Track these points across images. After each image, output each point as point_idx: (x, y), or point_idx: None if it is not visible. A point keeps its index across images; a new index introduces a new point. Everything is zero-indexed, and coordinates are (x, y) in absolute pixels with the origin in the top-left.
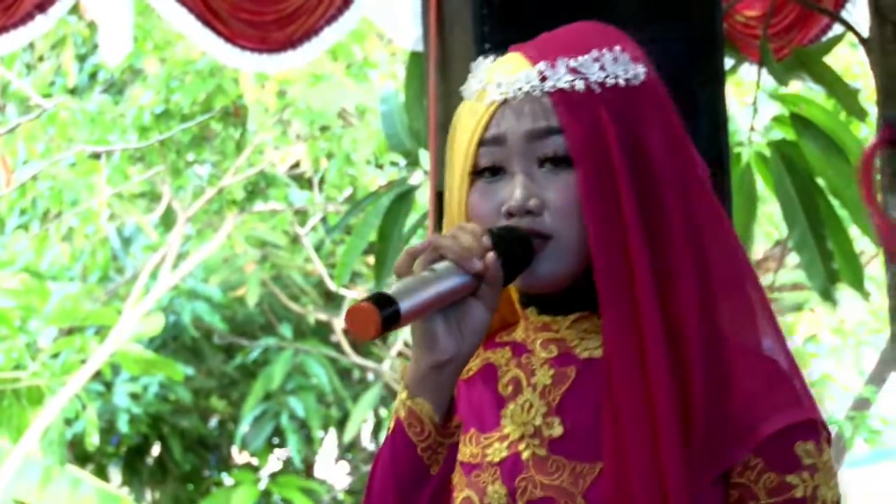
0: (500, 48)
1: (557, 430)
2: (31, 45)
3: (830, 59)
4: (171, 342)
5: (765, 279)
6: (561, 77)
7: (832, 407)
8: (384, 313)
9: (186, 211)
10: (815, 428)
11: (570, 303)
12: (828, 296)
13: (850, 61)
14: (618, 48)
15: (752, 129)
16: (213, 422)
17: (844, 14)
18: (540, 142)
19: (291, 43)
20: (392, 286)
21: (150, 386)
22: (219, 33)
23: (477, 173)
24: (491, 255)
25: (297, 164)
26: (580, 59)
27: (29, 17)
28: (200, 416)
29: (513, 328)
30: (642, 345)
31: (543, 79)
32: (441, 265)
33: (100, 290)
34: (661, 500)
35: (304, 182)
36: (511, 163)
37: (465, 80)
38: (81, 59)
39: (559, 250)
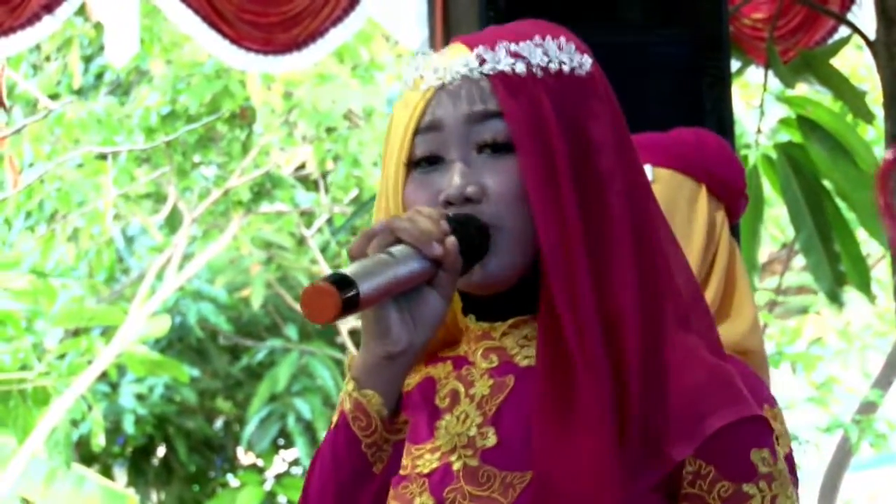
0: None
1: (491, 440)
2: (38, 47)
3: (837, 62)
4: (177, 343)
5: (771, 282)
6: (501, 60)
7: (838, 410)
8: (344, 296)
9: (192, 212)
10: (766, 430)
11: (507, 307)
12: (835, 298)
13: (857, 63)
14: (562, 38)
15: (758, 131)
16: (219, 423)
17: (850, 16)
18: (478, 126)
19: (296, 44)
20: (349, 268)
21: (156, 387)
22: (224, 35)
23: (413, 164)
24: (451, 239)
25: (303, 166)
26: (521, 43)
27: (35, 17)
28: (206, 417)
29: (457, 344)
30: (580, 343)
31: (482, 62)
32: (398, 248)
33: (105, 290)
34: None
35: (310, 183)
36: (448, 150)
37: None
38: (88, 60)
39: (505, 241)
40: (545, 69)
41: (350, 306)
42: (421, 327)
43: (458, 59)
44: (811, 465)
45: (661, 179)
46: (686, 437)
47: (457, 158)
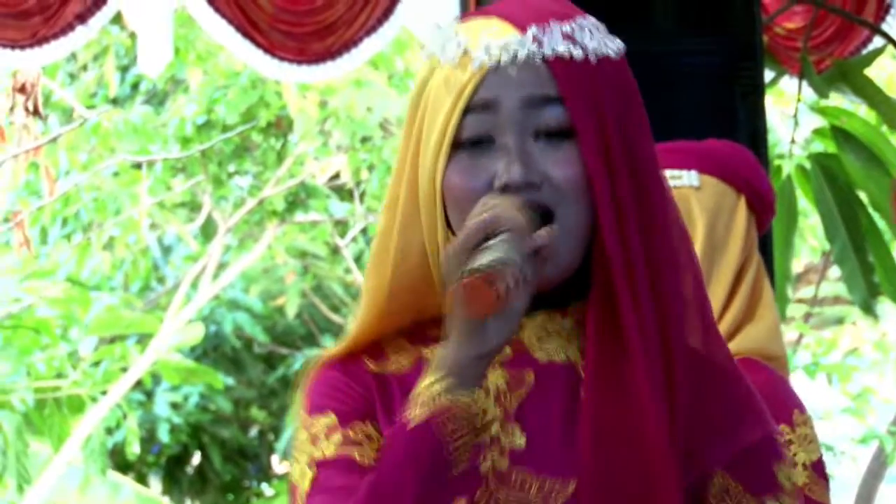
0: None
1: (520, 440)
2: (74, 56)
3: (871, 72)
4: (212, 352)
5: (806, 292)
6: (558, 42)
7: (873, 421)
8: (498, 292)
9: (227, 221)
10: (782, 444)
11: (535, 299)
12: (868, 309)
13: (892, 74)
14: (592, 19)
15: (792, 141)
16: (254, 432)
17: (885, 26)
18: (537, 110)
19: (330, 54)
20: (484, 261)
21: (191, 395)
22: (258, 44)
23: (458, 146)
24: (546, 229)
25: (337, 175)
26: (571, 24)
27: (70, 27)
28: (241, 426)
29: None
30: (641, 331)
31: (539, 44)
32: (499, 244)
33: (141, 299)
34: None
35: (344, 193)
36: (502, 132)
37: None
38: (124, 69)
39: (561, 234)
40: (597, 53)
41: (501, 301)
42: (507, 324)
43: (513, 39)
44: (847, 475)
45: (706, 185)
46: (721, 447)
47: (512, 142)
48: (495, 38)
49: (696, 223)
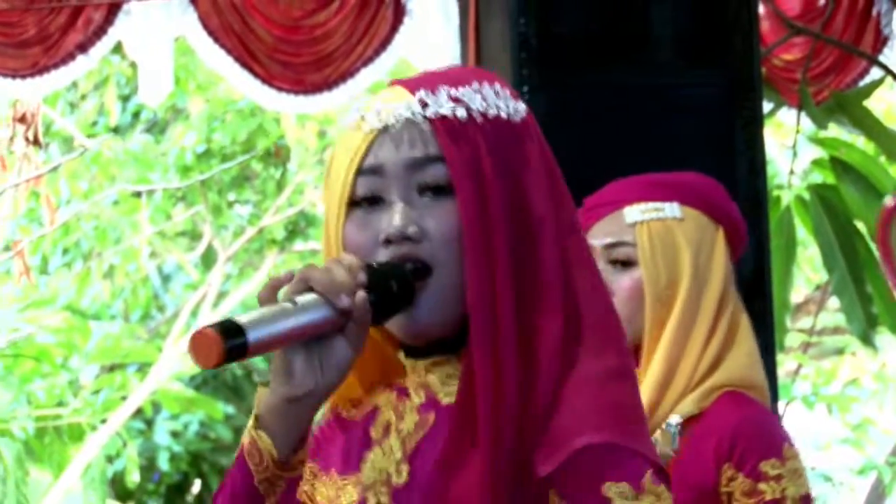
0: (538, 91)
1: (402, 478)
2: (75, 84)
3: (870, 103)
4: (212, 380)
5: (805, 322)
6: (442, 104)
7: (872, 451)
8: (229, 344)
9: (227, 250)
10: (628, 460)
11: (433, 345)
12: (867, 340)
13: (891, 104)
14: (498, 85)
15: (791, 172)
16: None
17: (883, 58)
18: (420, 170)
19: (328, 84)
20: (246, 314)
21: (191, 424)
22: (256, 74)
23: (354, 203)
24: (361, 293)
25: None
26: (461, 89)
27: (70, 57)
28: None
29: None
30: (496, 383)
31: (424, 105)
32: (306, 297)
33: (141, 327)
34: None
35: None
36: (389, 192)
37: None
38: (124, 98)
39: (440, 286)
40: (484, 115)
41: (235, 354)
42: (328, 373)
43: (401, 103)
44: None
45: (689, 218)
46: (547, 459)
47: (398, 199)
48: (386, 103)
49: (681, 254)
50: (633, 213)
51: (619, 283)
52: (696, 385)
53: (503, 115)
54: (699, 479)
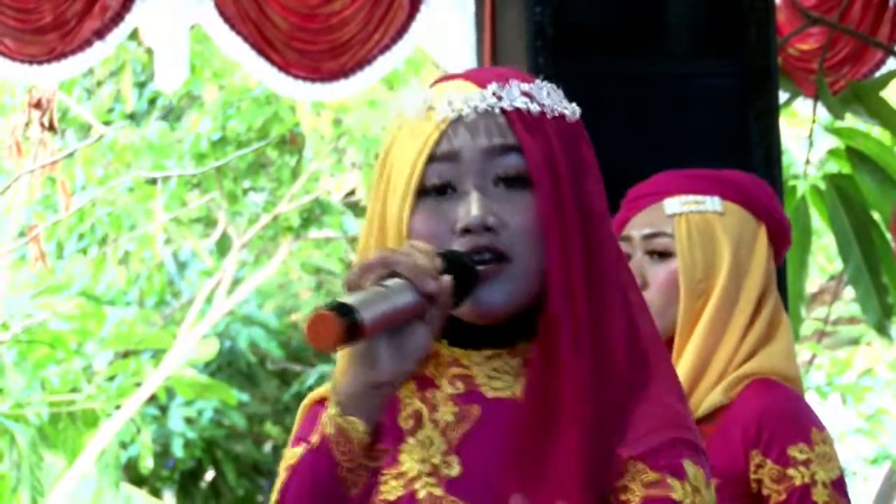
0: (553, 80)
1: (455, 470)
2: (91, 71)
3: (886, 93)
4: (226, 367)
5: (820, 312)
6: (516, 97)
7: (886, 441)
8: (348, 323)
9: (242, 237)
10: (703, 457)
11: (485, 338)
12: (882, 330)
13: None
14: (552, 85)
15: (807, 162)
16: (268, 447)
17: None
18: (497, 159)
19: (344, 72)
20: (350, 297)
21: (205, 411)
22: (272, 62)
23: (423, 193)
24: (447, 277)
25: (352, 192)
26: (529, 84)
27: (87, 43)
28: (255, 441)
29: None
30: (577, 375)
31: (498, 98)
32: (393, 282)
33: (156, 314)
34: None
35: (359, 210)
36: (464, 181)
37: None
38: (140, 85)
39: (515, 275)
40: (552, 110)
41: (352, 335)
42: (406, 359)
43: (474, 93)
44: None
45: (730, 212)
46: (632, 446)
47: (473, 189)
48: (458, 93)
49: (721, 247)
50: (674, 204)
51: (655, 274)
52: (730, 374)
53: (567, 112)
54: (729, 467)
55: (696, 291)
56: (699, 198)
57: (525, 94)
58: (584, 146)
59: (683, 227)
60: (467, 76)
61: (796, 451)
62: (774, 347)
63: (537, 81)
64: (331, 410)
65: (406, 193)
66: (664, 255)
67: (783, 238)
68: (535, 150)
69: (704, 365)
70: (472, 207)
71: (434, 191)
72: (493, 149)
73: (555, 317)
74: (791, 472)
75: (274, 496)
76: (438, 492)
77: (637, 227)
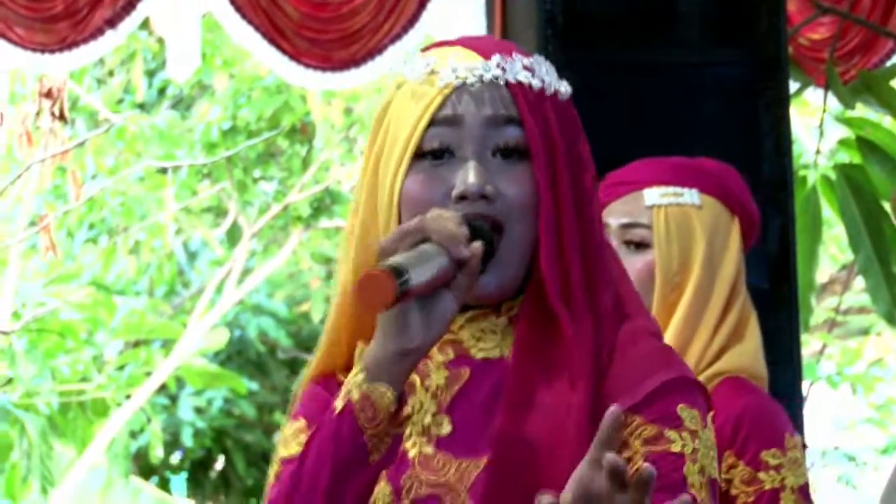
0: (563, 69)
1: (446, 429)
2: (102, 60)
3: None
4: (236, 357)
5: (831, 302)
6: (519, 71)
7: None
8: (400, 284)
9: (252, 226)
10: (699, 394)
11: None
12: (892, 320)
13: None
14: (546, 60)
15: (817, 151)
16: (277, 437)
17: None
18: (498, 129)
19: (355, 61)
20: (395, 259)
21: (215, 400)
22: (283, 51)
23: (418, 156)
24: (477, 244)
25: None
26: (530, 59)
27: (99, 32)
28: (264, 431)
29: None
30: (578, 333)
31: (503, 70)
32: (427, 247)
33: (166, 303)
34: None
35: None
36: (463, 147)
37: None
38: (151, 74)
39: (509, 249)
40: (552, 87)
41: (403, 295)
42: (434, 326)
43: (478, 63)
44: (869, 486)
45: (707, 206)
46: (628, 396)
47: (472, 156)
48: (462, 61)
49: (697, 241)
50: (653, 195)
51: (632, 265)
52: (701, 372)
53: (562, 89)
54: None
55: (671, 284)
56: (678, 189)
57: (527, 68)
58: (576, 123)
59: (662, 219)
60: (466, 44)
61: (769, 456)
62: (745, 345)
63: (535, 56)
64: (357, 377)
65: (403, 154)
66: (640, 245)
67: (753, 231)
68: (534, 125)
69: None
70: (469, 175)
71: (431, 155)
72: (497, 118)
73: (546, 274)
74: (762, 475)
75: (273, 468)
76: (429, 450)
77: (615, 216)
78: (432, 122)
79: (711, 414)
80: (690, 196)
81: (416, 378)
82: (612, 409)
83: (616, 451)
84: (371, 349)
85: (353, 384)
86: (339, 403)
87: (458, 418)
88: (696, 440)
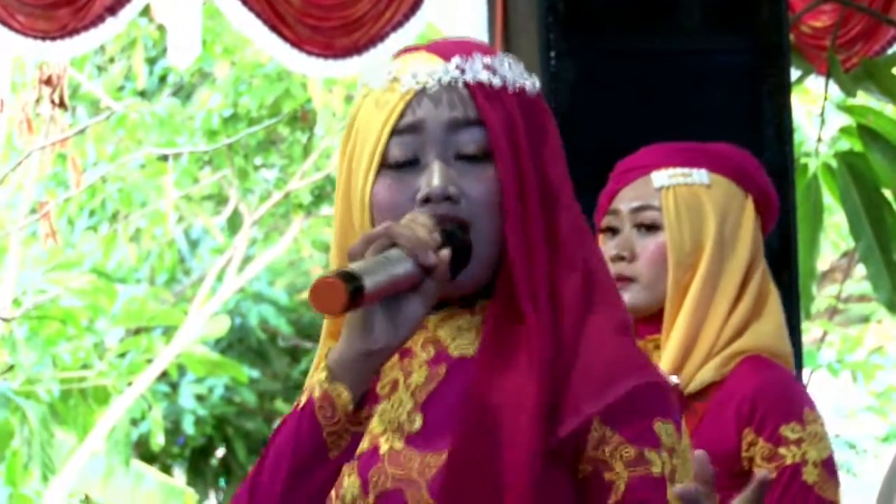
0: (565, 56)
1: (417, 425)
2: (102, 48)
3: None
4: (237, 344)
5: (831, 289)
6: (478, 70)
7: None
8: (350, 290)
9: (253, 214)
10: (668, 401)
11: (441, 300)
12: (893, 308)
13: None
14: (512, 56)
15: (819, 139)
16: (278, 424)
17: None
18: (459, 132)
19: (357, 49)
20: (354, 265)
21: (216, 388)
22: (285, 38)
23: (385, 165)
24: (446, 251)
25: None
26: (491, 57)
27: (99, 19)
28: (265, 418)
29: None
30: (538, 326)
31: (462, 71)
32: (394, 252)
33: (167, 291)
34: (495, 487)
35: None
36: (426, 152)
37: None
38: (151, 61)
39: (476, 249)
40: (513, 84)
41: (355, 301)
42: (400, 329)
43: (438, 66)
44: (869, 474)
45: (716, 185)
46: (595, 398)
47: (434, 159)
48: (422, 66)
49: (707, 220)
50: (661, 177)
51: (644, 247)
52: (719, 352)
53: (527, 85)
54: (721, 444)
55: (685, 264)
56: (686, 170)
57: (487, 66)
58: (545, 118)
59: (671, 200)
60: (430, 48)
61: (788, 431)
62: (765, 323)
63: (499, 54)
64: (320, 375)
65: (370, 164)
66: (652, 228)
67: (771, 210)
68: (495, 123)
69: (693, 339)
70: (433, 178)
71: (396, 162)
72: (456, 121)
73: (512, 271)
74: (782, 450)
75: (261, 455)
76: (399, 445)
77: (625, 201)
78: (395, 131)
79: (685, 427)
80: (699, 176)
81: (400, 377)
82: (763, 475)
83: (598, 469)
84: (336, 349)
85: (316, 382)
86: (302, 399)
87: (429, 415)
88: (673, 457)
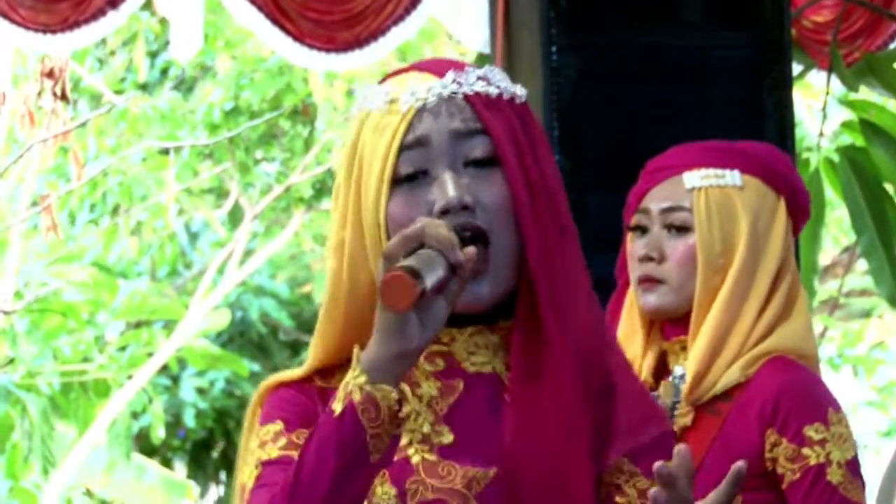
0: (567, 51)
1: (447, 438)
2: (104, 41)
3: None
4: (238, 338)
5: (833, 284)
6: (474, 82)
7: None
8: (419, 287)
9: (254, 208)
10: (673, 447)
11: (467, 316)
12: (894, 303)
13: None
14: (498, 68)
15: (821, 134)
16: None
17: None
18: (465, 141)
19: (358, 42)
20: (408, 262)
21: (217, 381)
22: (287, 32)
23: (395, 182)
24: (471, 248)
25: None
26: (483, 70)
27: (100, 12)
28: None
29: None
30: (563, 343)
31: (458, 84)
32: (427, 252)
33: (168, 284)
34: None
35: None
36: (435, 165)
37: (532, 82)
38: (153, 55)
39: (499, 257)
40: (508, 92)
41: (421, 296)
42: (429, 329)
43: (434, 82)
44: (870, 469)
45: (749, 186)
46: (632, 436)
47: (445, 171)
48: (419, 84)
49: (739, 222)
50: (693, 178)
51: (674, 249)
52: (746, 353)
53: (518, 93)
54: (744, 445)
55: (715, 267)
56: (719, 171)
57: (481, 78)
58: (535, 125)
59: (703, 201)
60: (421, 68)
61: (812, 431)
62: (792, 325)
63: (488, 66)
64: (358, 379)
65: (380, 185)
66: (682, 229)
67: (802, 211)
68: (499, 130)
69: (722, 341)
70: (447, 188)
71: (406, 179)
72: (459, 132)
73: (536, 289)
74: (806, 451)
75: (251, 471)
76: (432, 457)
77: (655, 201)
78: (402, 148)
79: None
80: (732, 177)
81: (404, 386)
82: (739, 465)
83: (611, 493)
84: (369, 351)
85: (353, 386)
86: (337, 406)
87: (459, 429)
88: None
